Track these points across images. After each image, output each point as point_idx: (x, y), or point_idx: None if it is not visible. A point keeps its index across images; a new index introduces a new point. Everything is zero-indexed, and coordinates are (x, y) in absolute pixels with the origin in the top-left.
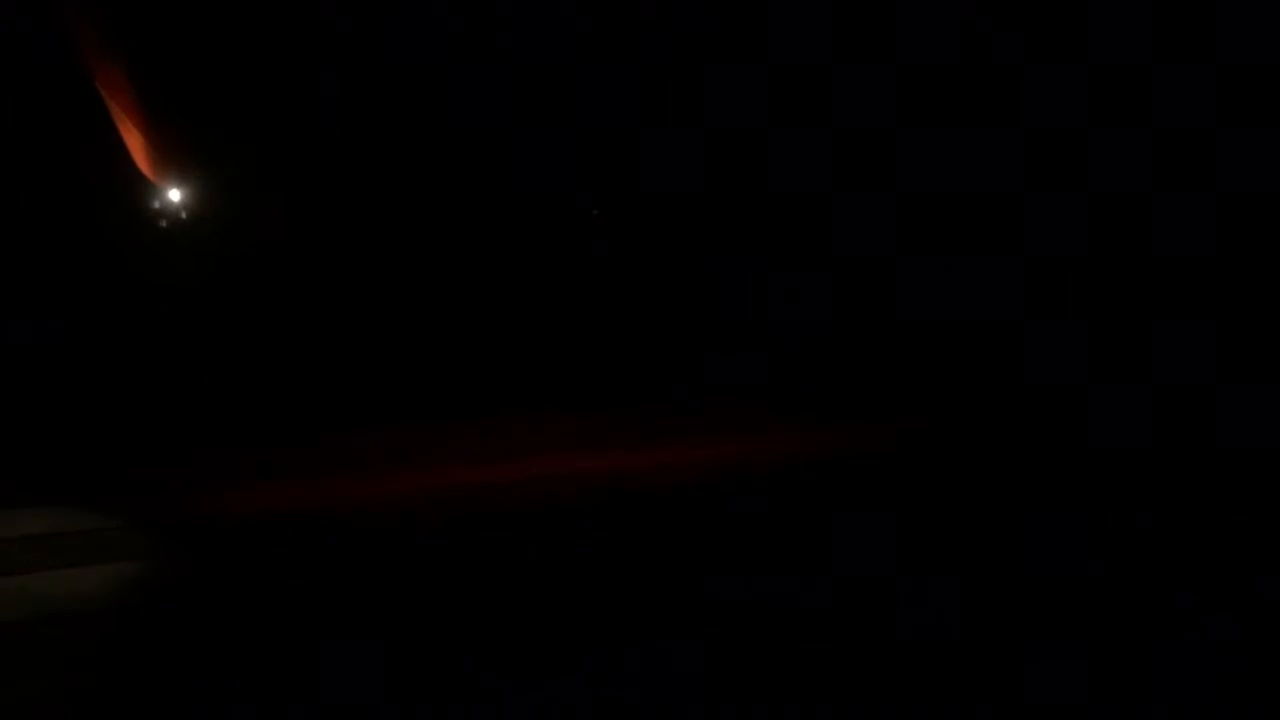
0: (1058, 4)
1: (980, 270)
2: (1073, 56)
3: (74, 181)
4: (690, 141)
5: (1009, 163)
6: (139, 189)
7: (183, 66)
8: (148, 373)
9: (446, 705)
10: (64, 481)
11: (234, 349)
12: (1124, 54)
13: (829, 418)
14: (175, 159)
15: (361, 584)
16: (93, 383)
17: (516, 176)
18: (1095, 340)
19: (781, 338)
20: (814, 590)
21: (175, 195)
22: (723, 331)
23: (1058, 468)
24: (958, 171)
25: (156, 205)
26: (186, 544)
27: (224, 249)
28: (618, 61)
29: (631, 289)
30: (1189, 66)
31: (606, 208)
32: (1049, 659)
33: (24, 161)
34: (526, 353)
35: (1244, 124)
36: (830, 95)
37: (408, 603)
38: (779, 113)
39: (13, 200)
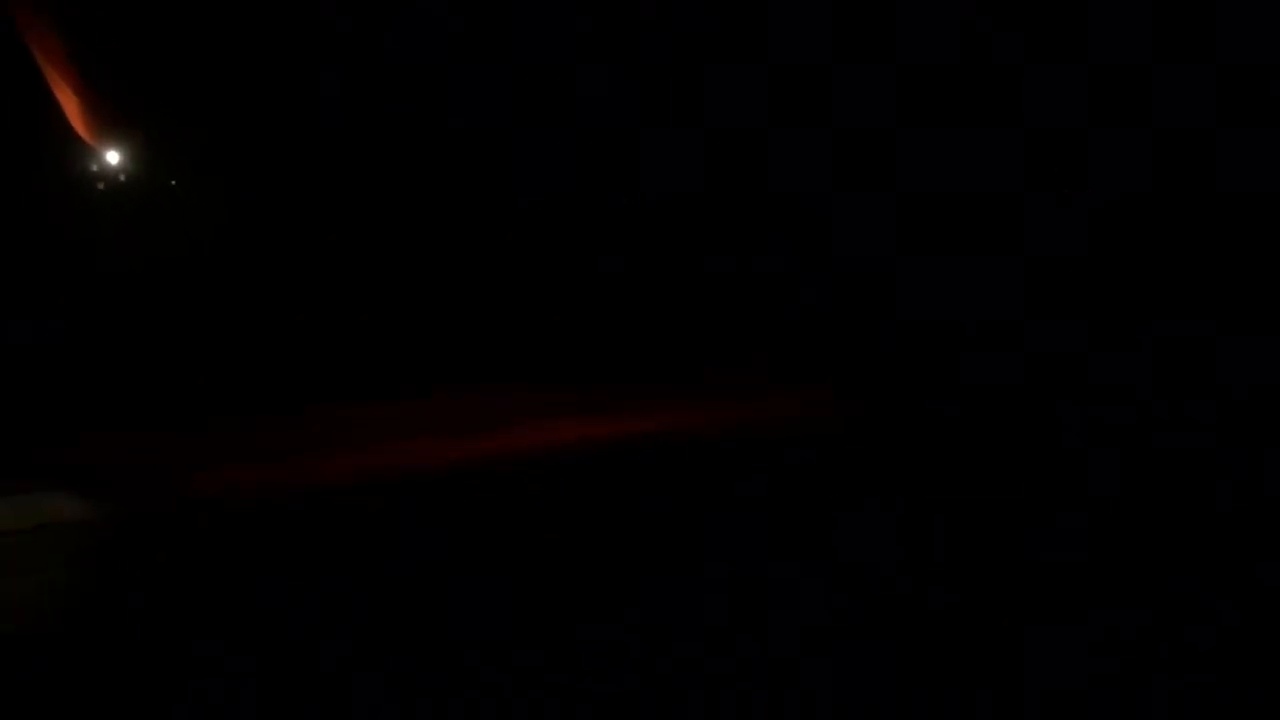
0: (1058, 4)
1: (980, 270)
2: (1073, 56)
3: (5, 142)
4: (690, 141)
5: (1009, 163)
6: (75, 150)
7: (119, 21)
8: (101, 350)
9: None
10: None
11: (180, 322)
12: (1124, 54)
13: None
14: (113, 120)
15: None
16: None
17: (513, 175)
18: (1095, 340)
19: (779, 338)
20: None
21: (114, 157)
22: (719, 329)
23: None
24: (958, 172)
25: (95, 168)
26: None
27: (166, 217)
28: (617, 61)
29: (630, 287)
30: (1189, 66)
31: (607, 207)
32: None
33: None
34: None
35: (1244, 124)
36: (830, 95)
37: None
38: (779, 112)
39: None
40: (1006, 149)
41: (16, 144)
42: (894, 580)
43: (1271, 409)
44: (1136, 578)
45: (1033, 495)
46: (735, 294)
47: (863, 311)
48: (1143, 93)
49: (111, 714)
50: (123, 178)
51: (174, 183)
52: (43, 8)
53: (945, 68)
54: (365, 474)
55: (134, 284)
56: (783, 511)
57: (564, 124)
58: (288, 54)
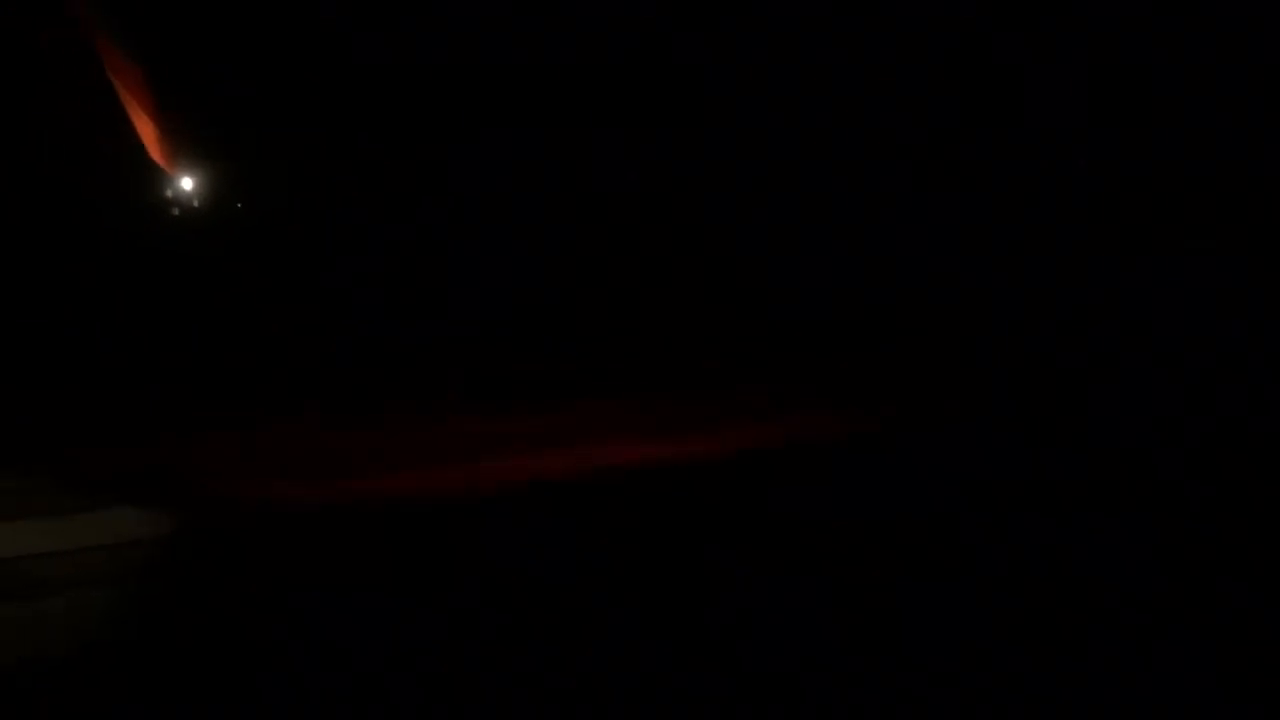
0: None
1: (982, 270)
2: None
3: (87, 170)
4: (689, 140)
5: (1006, 162)
6: (153, 177)
7: (193, 52)
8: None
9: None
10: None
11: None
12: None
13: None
14: (188, 146)
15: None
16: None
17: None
18: (1096, 340)
19: (776, 337)
20: None
21: (188, 183)
22: (717, 327)
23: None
24: (957, 171)
25: (169, 194)
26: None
27: (236, 237)
28: (617, 61)
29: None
30: (1189, 66)
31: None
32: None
33: (36, 150)
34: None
35: (1244, 124)
36: (831, 94)
37: None
38: (778, 112)
39: (28, 186)
40: (1004, 148)
41: (96, 170)
42: (900, 587)
43: (1271, 409)
44: (1138, 578)
45: (1034, 495)
46: (734, 293)
47: (863, 310)
48: (1143, 92)
49: None
50: (196, 203)
51: (240, 206)
52: (122, 37)
53: (945, 67)
54: (410, 494)
55: (204, 300)
56: (792, 528)
57: (565, 123)
58: (345, 85)
